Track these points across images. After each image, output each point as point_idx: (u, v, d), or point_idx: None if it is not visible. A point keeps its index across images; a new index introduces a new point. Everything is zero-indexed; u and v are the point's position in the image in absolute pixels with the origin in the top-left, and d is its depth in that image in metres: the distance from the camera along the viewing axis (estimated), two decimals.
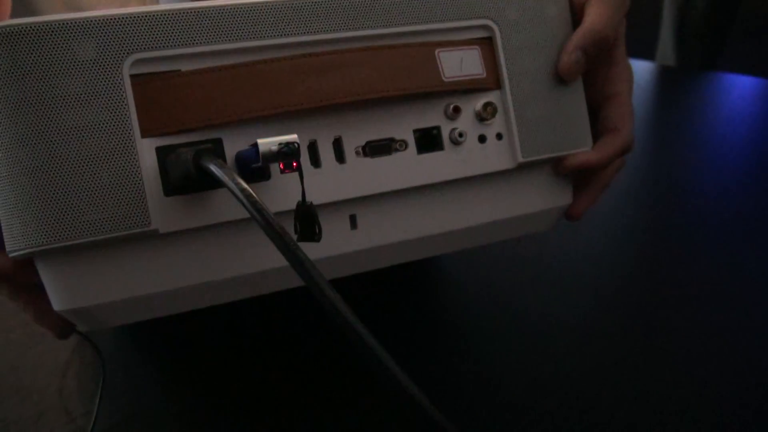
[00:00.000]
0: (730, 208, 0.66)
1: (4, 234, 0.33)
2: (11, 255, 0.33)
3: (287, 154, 0.29)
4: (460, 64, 0.39)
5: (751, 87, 1.01)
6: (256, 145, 0.31)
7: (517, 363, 0.47)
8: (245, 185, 0.28)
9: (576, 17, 0.42)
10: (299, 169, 0.30)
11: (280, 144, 0.29)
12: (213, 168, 0.29)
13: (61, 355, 0.49)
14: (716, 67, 1.32)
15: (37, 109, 0.31)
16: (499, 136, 0.40)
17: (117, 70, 0.33)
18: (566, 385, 0.44)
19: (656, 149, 0.79)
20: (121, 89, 0.33)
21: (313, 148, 0.37)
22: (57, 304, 0.34)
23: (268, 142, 0.30)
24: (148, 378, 0.47)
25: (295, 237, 0.29)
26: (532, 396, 0.44)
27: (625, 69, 0.45)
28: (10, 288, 0.37)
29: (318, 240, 0.30)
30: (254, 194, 0.28)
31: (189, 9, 0.34)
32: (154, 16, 0.33)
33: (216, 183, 0.29)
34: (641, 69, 1.00)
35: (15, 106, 0.31)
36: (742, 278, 0.56)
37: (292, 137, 0.30)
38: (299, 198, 0.32)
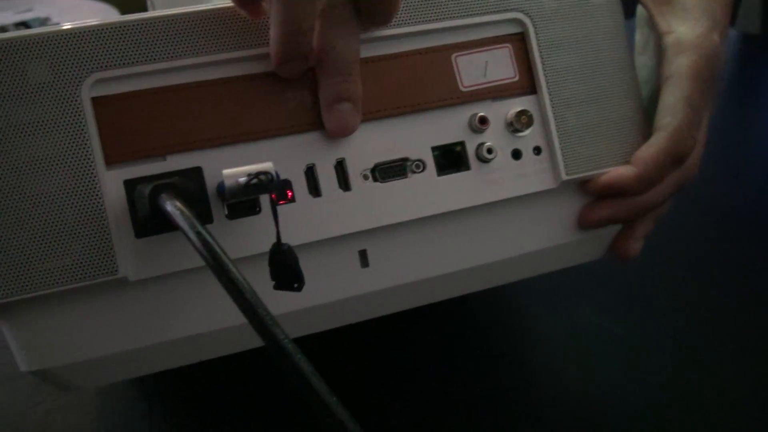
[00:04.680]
0: None
1: None
2: None
3: (259, 187, 0.23)
4: (484, 68, 0.32)
5: None
6: None
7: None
8: (202, 228, 0.23)
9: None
10: (273, 204, 0.24)
11: (249, 175, 0.24)
12: (169, 208, 0.24)
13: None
14: None
15: None
16: (536, 150, 0.34)
17: (75, 93, 0.28)
18: None
19: (733, 127, 0.68)
20: (80, 114, 0.28)
21: (311, 173, 0.31)
22: (23, 365, 0.30)
23: (233, 174, 0.24)
24: None
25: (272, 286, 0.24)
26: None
27: (691, 34, 0.32)
28: None
29: (299, 289, 0.24)
30: (212, 240, 0.22)
31: (158, 17, 0.29)
32: (117, 27, 0.29)
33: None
34: None
35: None
36: None
37: (266, 165, 0.24)
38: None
